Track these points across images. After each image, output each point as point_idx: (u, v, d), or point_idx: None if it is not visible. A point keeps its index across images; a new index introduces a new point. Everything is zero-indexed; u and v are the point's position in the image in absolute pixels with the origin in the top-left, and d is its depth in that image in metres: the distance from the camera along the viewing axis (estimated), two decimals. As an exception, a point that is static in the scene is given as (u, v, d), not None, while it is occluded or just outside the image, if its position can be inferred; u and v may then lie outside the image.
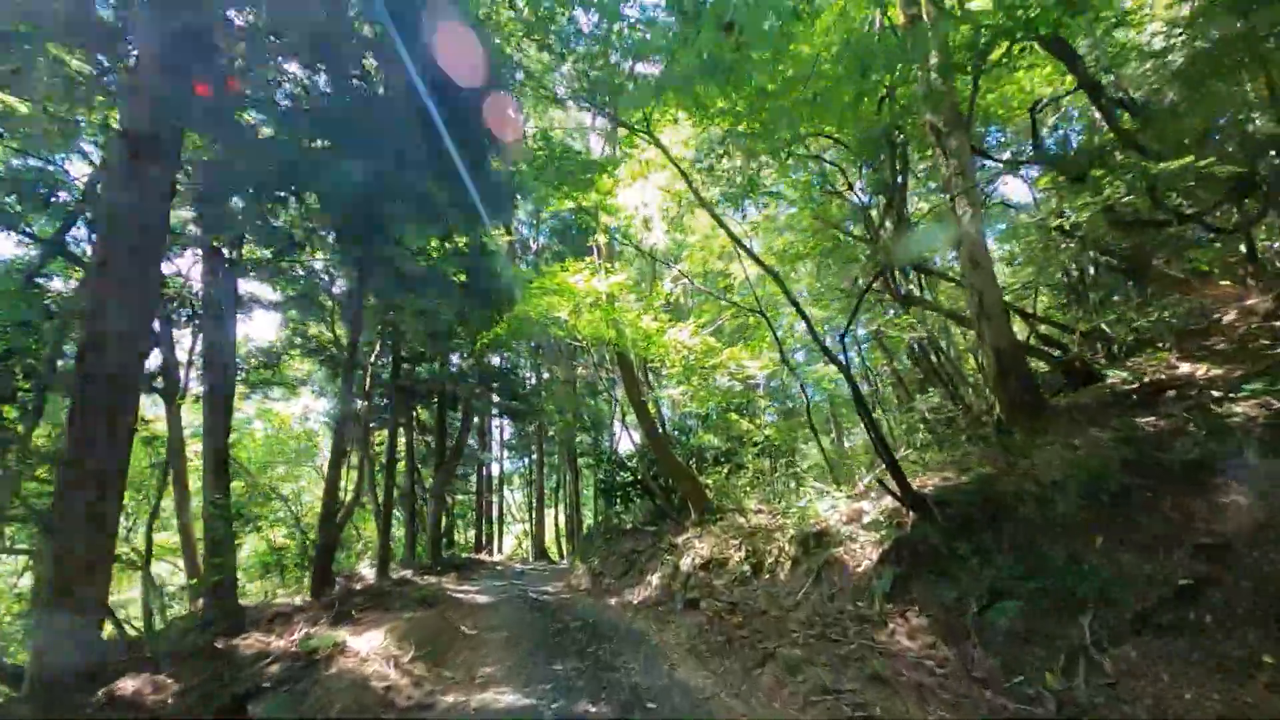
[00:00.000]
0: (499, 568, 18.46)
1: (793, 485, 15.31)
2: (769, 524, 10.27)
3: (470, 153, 7.82)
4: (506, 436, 31.63)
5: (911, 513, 7.05)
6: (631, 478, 14.09)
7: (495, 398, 20.43)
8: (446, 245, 9.64)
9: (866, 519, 7.91)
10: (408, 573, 13.95)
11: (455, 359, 19.71)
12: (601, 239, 11.32)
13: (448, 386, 16.92)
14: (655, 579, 10.60)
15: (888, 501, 8.13)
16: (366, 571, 13.56)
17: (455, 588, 12.37)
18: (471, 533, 26.67)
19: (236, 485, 16.29)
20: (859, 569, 7.30)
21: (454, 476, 21.53)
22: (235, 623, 7.04)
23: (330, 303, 13.16)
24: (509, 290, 9.89)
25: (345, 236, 8.63)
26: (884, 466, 7.72)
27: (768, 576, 8.86)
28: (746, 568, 9.22)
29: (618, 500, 14.98)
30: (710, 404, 12.04)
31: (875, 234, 8.20)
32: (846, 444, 21.93)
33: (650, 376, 15.10)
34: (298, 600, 9.41)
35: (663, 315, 11.14)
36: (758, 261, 7.09)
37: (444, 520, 21.31)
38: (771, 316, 10.46)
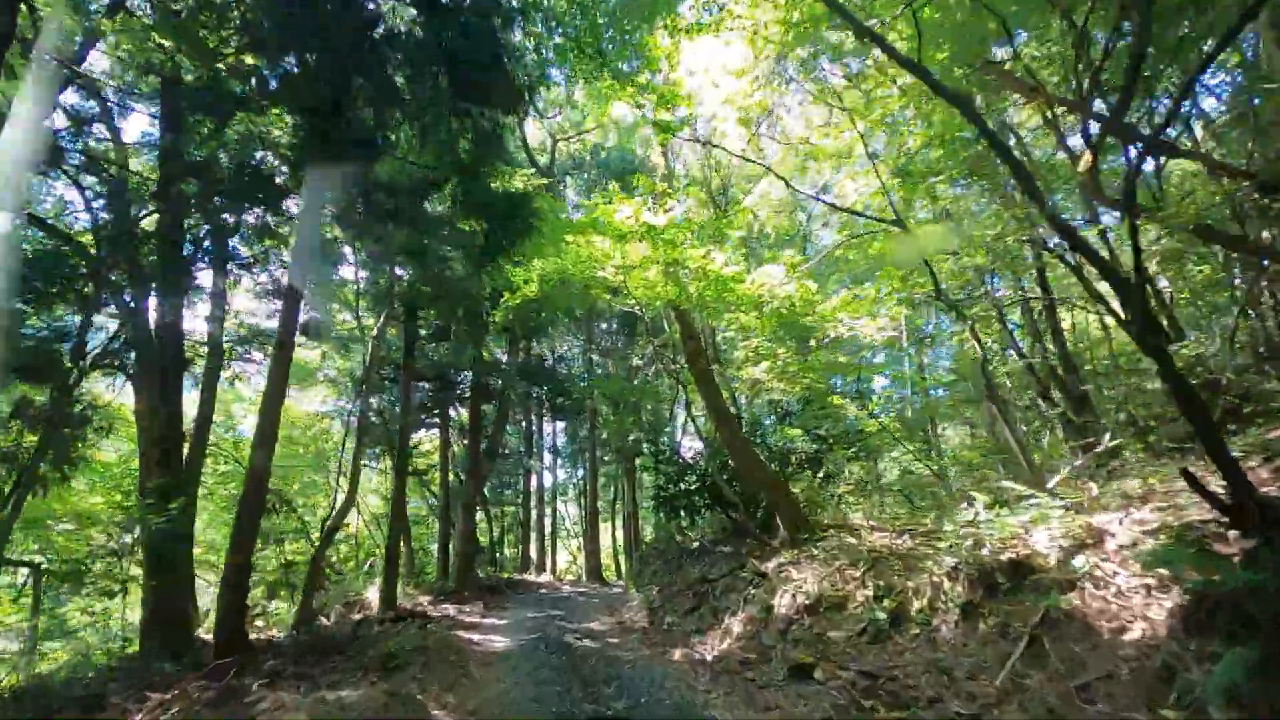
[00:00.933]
0: (542, 590, 15.75)
1: (893, 494, 11.85)
2: (899, 547, 7.12)
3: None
4: (560, 443, 29.04)
5: (1238, 534, 3.73)
6: (697, 483, 11.04)
7: (538, 391, 17.77)
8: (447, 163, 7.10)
9: (1116, 544, 4.60)
10: (425, 599, 11.42)
11: (504, 358, 17.31)
12: (659, 159, 8.51)
13: (480, 377, 14.33)
14: (737, 623, 7.56)
15: (1146, 514, 4.80)
16: (375, 597, 11.10)
17: (474, 622, 9.67)
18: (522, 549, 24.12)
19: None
20: (1124, 636, 4.02)
21: (486, 484, 19.02)
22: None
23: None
24: (520, 205, 7.13)
25: (300, 126, 6.24)
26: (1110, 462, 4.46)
27: (917, 630, 5.71)
28: (879, 614, 6.09)
29: (681, 512, 11.93)
30: (806, 381, 8.83)
31: (1093, 72, 4.95)
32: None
33: (718, 367, 12.06)
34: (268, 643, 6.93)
35: (737, 259, 8.14)
36: (917, 71, 3.94)
37: (484, 535, 18.85)
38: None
